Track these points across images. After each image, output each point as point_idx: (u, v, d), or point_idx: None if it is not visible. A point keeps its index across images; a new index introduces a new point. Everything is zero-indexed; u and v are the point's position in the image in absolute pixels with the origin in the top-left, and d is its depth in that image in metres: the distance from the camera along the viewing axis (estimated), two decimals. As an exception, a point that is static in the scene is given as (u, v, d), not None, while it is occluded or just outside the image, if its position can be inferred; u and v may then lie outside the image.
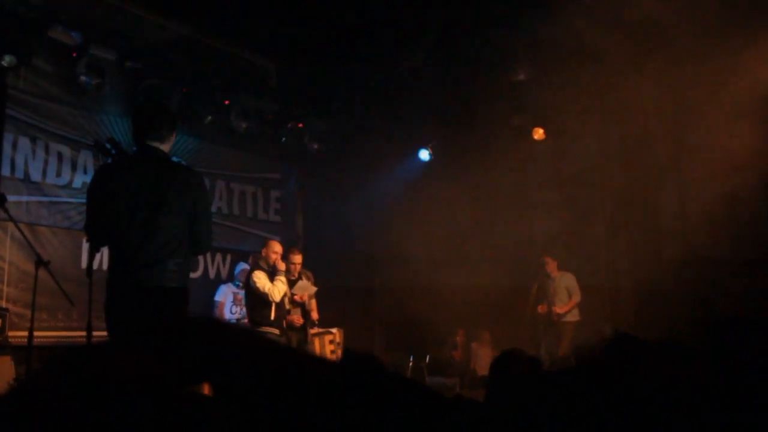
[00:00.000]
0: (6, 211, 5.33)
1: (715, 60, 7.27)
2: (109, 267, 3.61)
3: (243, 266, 8.29)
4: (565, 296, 8.64)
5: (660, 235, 8.72)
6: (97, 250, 3.69)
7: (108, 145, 3.67)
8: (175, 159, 3.80)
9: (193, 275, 7.51)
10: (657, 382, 1.66)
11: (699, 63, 7.51)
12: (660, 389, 1.62)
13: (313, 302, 7.52)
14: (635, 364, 1.87)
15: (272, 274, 6.93)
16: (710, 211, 7.40)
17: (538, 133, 9.19)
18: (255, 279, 6.88)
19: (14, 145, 7.22)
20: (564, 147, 9.25)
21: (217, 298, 8.31)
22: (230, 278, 8.65)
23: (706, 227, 7.50)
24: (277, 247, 7.17)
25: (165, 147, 3.74)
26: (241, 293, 7.76)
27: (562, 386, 1.69)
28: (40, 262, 5.08)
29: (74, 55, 7.21)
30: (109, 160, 3.72)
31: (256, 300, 6.89)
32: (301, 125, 9.45)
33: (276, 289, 6.85)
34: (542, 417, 1.59)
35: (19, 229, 5.61)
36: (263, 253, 7.11)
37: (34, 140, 7.40)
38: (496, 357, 2.80)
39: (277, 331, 6.78)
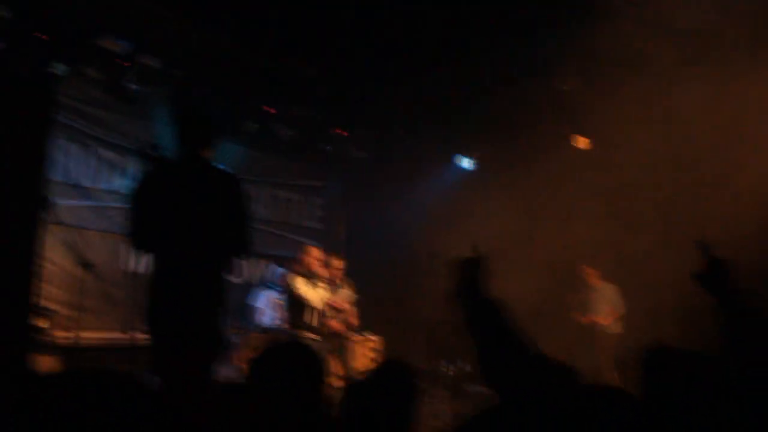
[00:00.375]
0: (50, 214, 5.46)
1: (766, 71, 7.09)
2: (151, 271, 3.65)
3: (281, 271, 8.32)
4: (608, 307, 8.49)
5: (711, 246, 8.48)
6: (141, 255, 3.71)
7: (150, 151, 3.72)
8: (220, 166, 3.82)
9: (235, 280, 7.61)
10: (693, 392, 1.65)
11: (750, 73, 7.33)
12: (696, 400, 1.62)
13: (353, 309, 7.53)
14: (672, 373, 1.86)
15: (311, 280, 6.95)
16: (760, 223, 7.21)
17: (583, 143, 9.07)
18: (296, 285, 6.90)
19: (66, 152, 7.42)
20: (609, 157, 9.09)
21: (258, 304, 8.36)
22: (270, 284, 8.71)
23: (755, 240, 7.30)
24: (315, 253, 7.20)
25: (208, 154, 3.78)
26: (281, 298, 7.80)
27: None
28: (85, 265, 5.18)
29: (124, 63, 7.37)
30: (152, 167, 3.77)
31: (297, 305, 6.92)
32: (345, 133, 9.50)
33: (317, 295, 6.87)
34: None
35: (67, 233, 5.74)
36: (301, 259, 7.14)
37: (85, 147, 7.59)
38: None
39: (317, 337, 6.80)
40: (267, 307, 8.34)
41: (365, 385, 1.70)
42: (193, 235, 3.57)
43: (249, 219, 3.78)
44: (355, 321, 7.48)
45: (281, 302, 7.81)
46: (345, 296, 7.32)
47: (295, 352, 1.99)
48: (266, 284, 8.85)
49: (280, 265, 8.75)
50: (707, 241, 2.32)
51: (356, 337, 7.51)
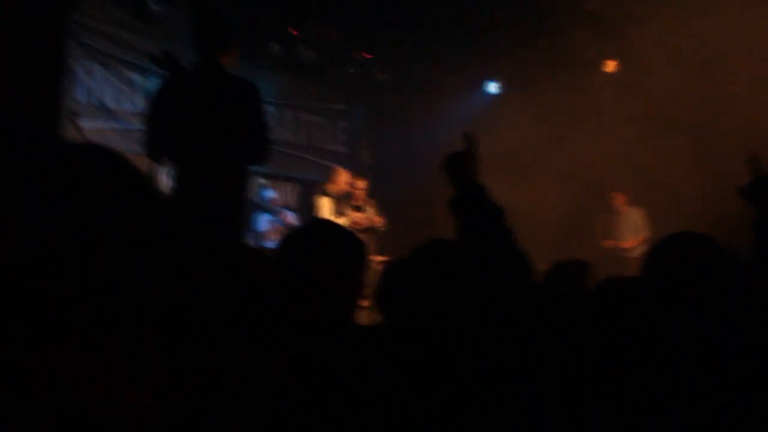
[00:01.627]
0: (81, 132, 5.52)
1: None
2: (172, 180, 3.67)
3: (270, 195, 8.21)
4: (633, 231, 8.45)
5: (741, 177, 8.33)
6: (156, 163, 3.70)
7: (163, 57, 3.69)
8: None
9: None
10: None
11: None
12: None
13: (380, 220, 7.49)
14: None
15: (340, 203, 6.97)
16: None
17: (611, 66, 8.87)
18: (321, 207, 6.93)
19: (89, 73, 7.41)
20: (638, 80, 8.88)
21: (260, 228, 8.26)
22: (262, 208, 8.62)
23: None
24: (345, 176, 7.21)
25: (227, 61, 3.73)
26: (276, 221, 7.72)
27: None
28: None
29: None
30: (168, 75, 3.75)
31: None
32: (368, 56, 9.37)
33: (342, 220, 6.90)
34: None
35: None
36: (331, 180, 7.13)
37: (107, 68, 7.58)
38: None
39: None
40: (270, 231, 8.26)
41: (405, 263, 1.61)
42: (209, 143, 3.56)
43: (266, 127, 3.75)
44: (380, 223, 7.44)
45: (281, 227, 7.76)
46: (367, 218, 7.35)
47: (334, 229, 1.88)
48: (294, 209, 8.85)
49: (307, 189, 8.70)
50: (758, 156, 2.35)
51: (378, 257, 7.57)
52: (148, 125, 3.62)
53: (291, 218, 8.19)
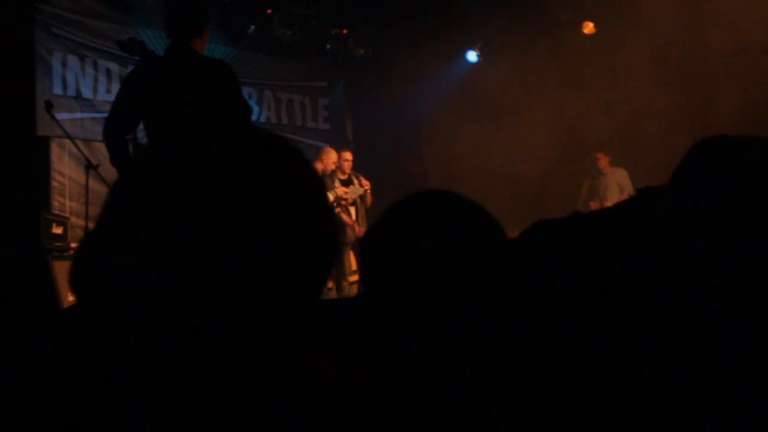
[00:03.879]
0: (59, 124, 5.55)
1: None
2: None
3: None
4: (617, 192, 8.50)
5: (720, 131, 8.35)
6: (111, 147, 3.71)
7: (127, 42, 3.70)
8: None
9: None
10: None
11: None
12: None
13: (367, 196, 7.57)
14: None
15: (329, 181, 7.03)
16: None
17: (588, 27, 8.86)
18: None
19: (64, 64, 7.40)
20: (616, 41, 8.88)
21: None
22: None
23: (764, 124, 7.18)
24: (333, 156, 7.27)
25: (198, 44, 3.73)
26: None
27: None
28: (89, 166, 5.28)
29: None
30: (137, 59, 3.76)
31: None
32: (345, 31, 9.34)
33: (331, 195, 6.97)
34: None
35: (76, 145, 5.82)
36: (320, 161, 7.17)
37: (82, 58, 7.56)
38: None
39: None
40: None
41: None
42: (178, 125, 3.56)
43: (245, 107, 3.76)
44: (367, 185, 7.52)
45: None
46: (354, 191, 7.42)
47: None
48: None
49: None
50: None
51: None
52: (115, 105, 3.65)
53: None
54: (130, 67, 7.71)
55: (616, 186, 8.53)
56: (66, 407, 0.69)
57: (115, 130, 3.66)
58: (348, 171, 7.41)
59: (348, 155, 7.46)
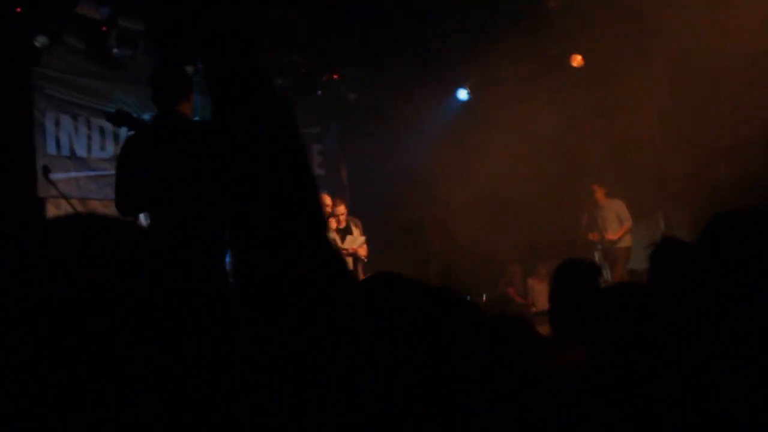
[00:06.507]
0: (54, 185, 5.51)
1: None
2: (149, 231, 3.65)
3: None
4: (616, 223, 8.51)
5: (714, 154, 8.39)
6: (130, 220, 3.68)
7: (114, 114, 3.67)
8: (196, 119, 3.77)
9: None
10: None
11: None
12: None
13: (363, 248, 7.54)
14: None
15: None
16: (762, 131, 7.09)
17: (577, 60, 8.93)
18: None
19: (57, 124, 7.40)
20: (605, 72, 8.94)
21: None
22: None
23: (761, 149, 7.20)
24: (327, 201, 7.22)
25: (185, 107, 3.72)
26: None
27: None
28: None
29: (104, 29, 7.29)
30: (128, 130, 3.74)
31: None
32: (336, 76, 9.40)
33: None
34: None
35: (71, 205, 5.77)
36: None
37: (75, 117, 7.56)
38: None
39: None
40: None
41: None
42: (178, 193, 3.52)
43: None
44: (363, 251, 7.50)
45: None
46: (354, 241, 7.38)
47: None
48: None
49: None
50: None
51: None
52: (116, 183, 3.62)
53: None
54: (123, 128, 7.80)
55: (615, 216, 8.54)
56: (66, 407, 0.66)
57: (126, 212, 3.61)
58: (344, 222, 7.37)
59: (341, 209, 7.42)
